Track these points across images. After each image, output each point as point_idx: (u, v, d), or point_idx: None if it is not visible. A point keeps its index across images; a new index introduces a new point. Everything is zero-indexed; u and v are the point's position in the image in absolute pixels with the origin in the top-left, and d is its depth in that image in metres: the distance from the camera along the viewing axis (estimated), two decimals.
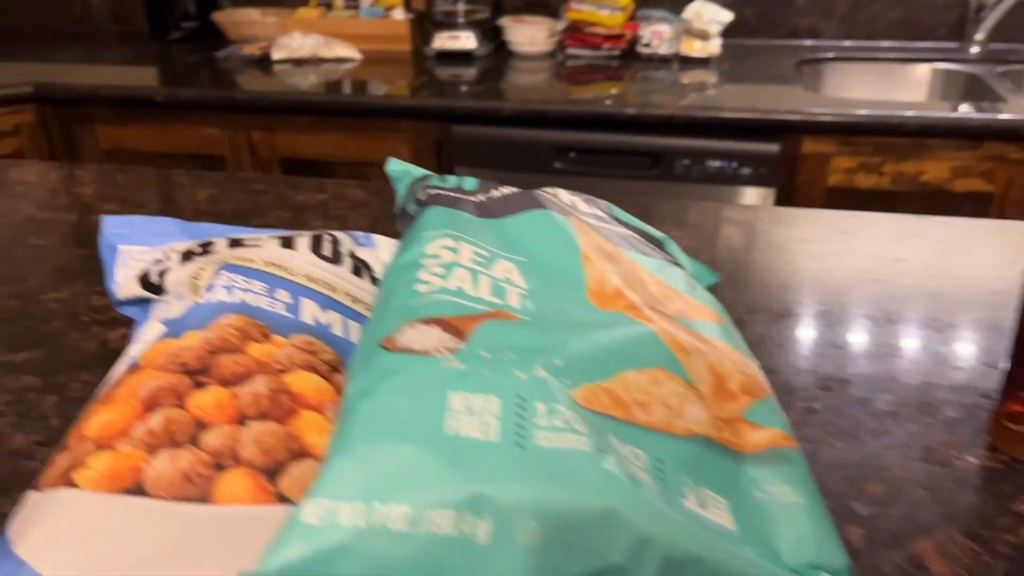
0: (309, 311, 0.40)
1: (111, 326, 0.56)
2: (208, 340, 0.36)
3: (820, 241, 0.69)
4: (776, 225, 0.72)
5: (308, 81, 1.65)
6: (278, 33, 1.94)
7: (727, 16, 1.74)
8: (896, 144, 1.39)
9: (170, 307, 0.43)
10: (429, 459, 0.26)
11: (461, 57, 1.81)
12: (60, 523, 0.29)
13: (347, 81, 1.66)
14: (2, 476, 0.42)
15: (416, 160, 1.59)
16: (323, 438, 0.33)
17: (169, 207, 0.75)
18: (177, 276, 0.43)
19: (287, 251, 0.44)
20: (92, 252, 0.67)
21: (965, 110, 1.35)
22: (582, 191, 1.51)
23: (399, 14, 1.88)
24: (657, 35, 1.75)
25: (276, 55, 1.78)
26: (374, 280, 0.46)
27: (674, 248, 0.53)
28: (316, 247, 0.46)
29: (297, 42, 1.78)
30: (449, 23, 1.82)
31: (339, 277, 0.44)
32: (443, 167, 1.60)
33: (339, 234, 0.49)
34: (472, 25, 1.81)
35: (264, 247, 0.45)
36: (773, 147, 1.43)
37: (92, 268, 0.64)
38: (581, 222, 0.43)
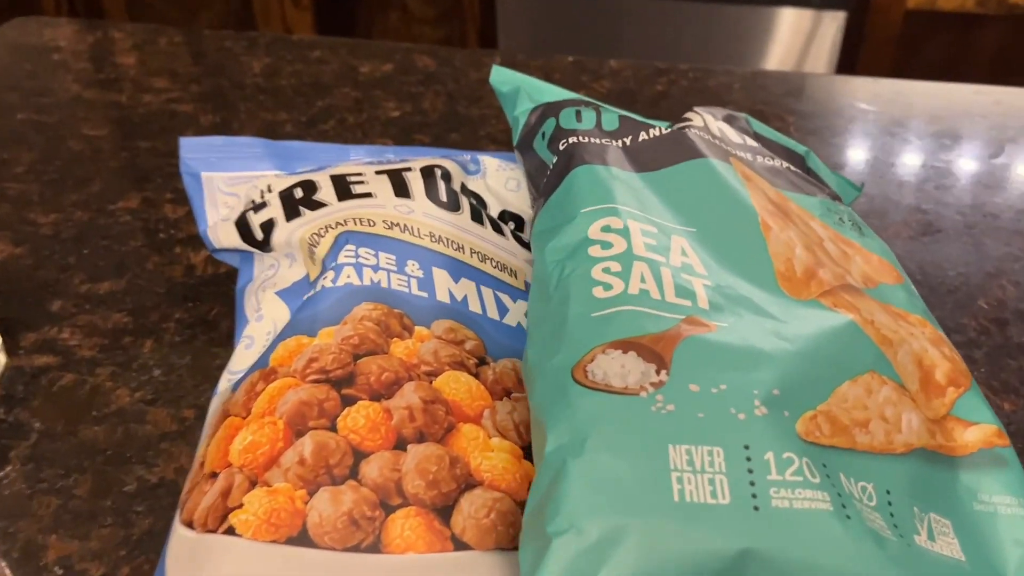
0: (443, 284, 0.36)
1: (194, 247, 0.52)
2: (347, 340, 0.32)
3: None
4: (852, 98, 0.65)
5: None
6: None
7: None
8: None
9: (282, 271, 0.39)
10: (664, 534, 0.23)
11: None
12: None
13: None
14: (117, 442, 0.40)
15: None
16: (487, 459, 0.30)
17: (223, 82, 0.69)
18: (287, 237, 0.39)
19: (404, 201, 0.39)
20: (152, 144, 0.62)
21: None
22: (648, 16, 1.41)
23: None
24: None
25: None
26: (495, 226, 0.42)
27: (816, 163, 0.48)
28: (431, 190, 0.41)
29: None
30: None
31: (461, 229, 0.40)
32: None
33: (448, 164, 0.43)
34: None
35: (377, 195, 0.40)
36: None
37: (156, 167, 0.60)
38: (745, 168, 0.38)
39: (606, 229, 0.32)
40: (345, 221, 0.38)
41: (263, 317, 0.36)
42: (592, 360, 0.28)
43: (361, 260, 0.35)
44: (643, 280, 0.31)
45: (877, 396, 0.30)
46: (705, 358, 0.28)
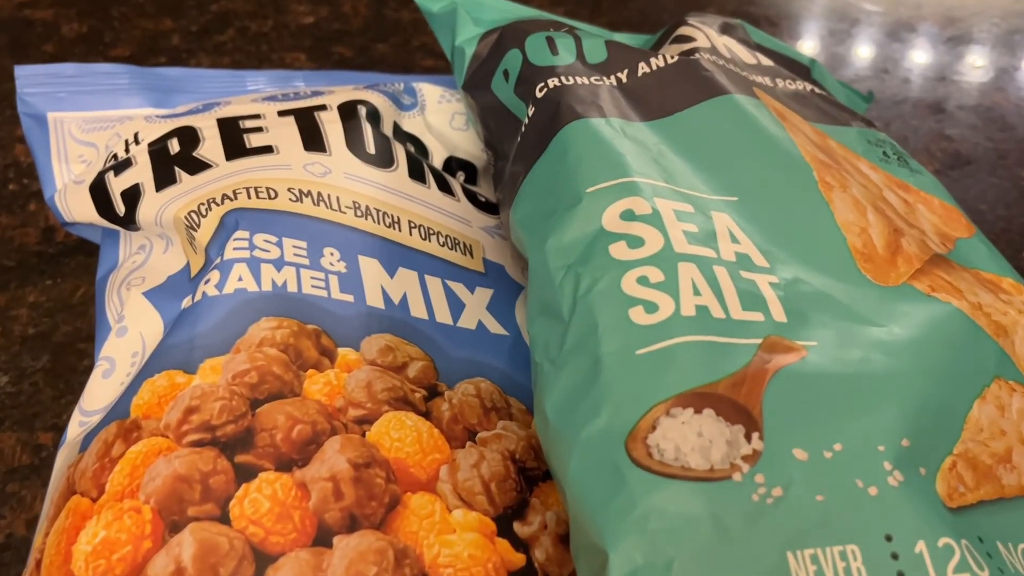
0: (374, 280, 0.26)
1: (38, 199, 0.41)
2: (241, 377, 0.23)
3: None
4: None
5: None
6: None
7: None
8: None
9: (153, 258, 0.28)
10: None
11: None
12: None
13: None
14: None
15: None
16: (448, 545, 0.21)
17: None
18: (157, 213, 0.28)
19: (318, 158, 0.29)
20: (2, 63, 0.49)
21: None
22: None
23: None
24: None
25: None
26: (441, 182, 0.32)
27: (823, 74, 0.39)
28: (353, 138, 0.31)
29: None
30: None
31: (396, 193, 0.30)
32: None
33: (375, 97, 0.33)
34: None
35: (280, 150, 0.29)
36: None
37: (4, 95, 0.47)
38: (774, 103, 0.29)
39: (628, 216, 0.23)
40: (235, 193, 0.27)
41: (127, 330, 0.26)
42: (654, 428, 0.19)
43: (258, 254, 0.25)
44: (697, 291, 0.22)
45: (1010, 412, 0.22)
46: (805, 404, 0.20)
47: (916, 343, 0.22)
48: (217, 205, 0.27)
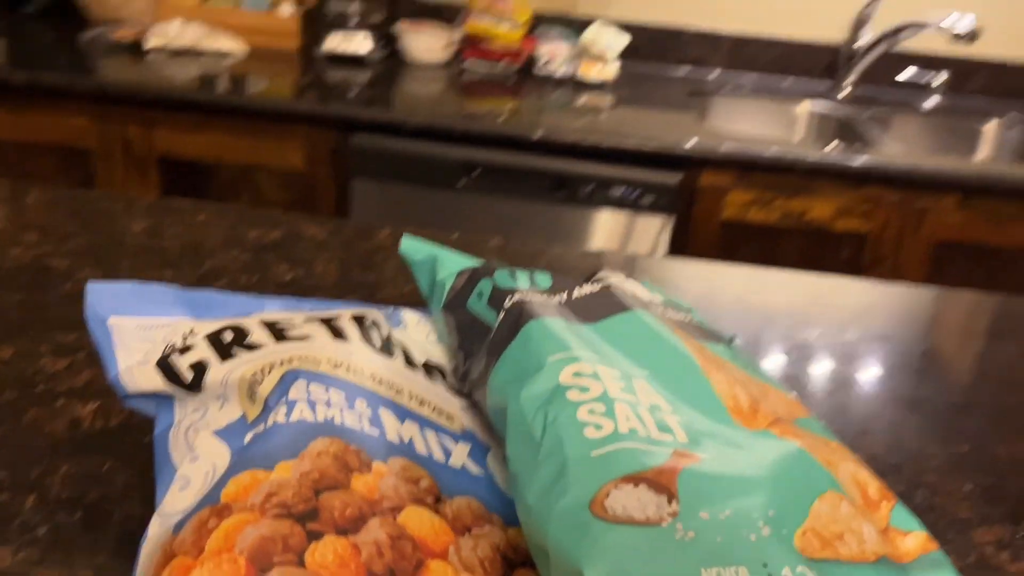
0: (391, 424, 0.36)
1: (81, 398, 0.49)
2: (307, 475, 0.31)
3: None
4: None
5: (187, 73, 1.53)
6: (146, 18, 1.80)
7: (624, 40, 1.76)
8: (787, 182, 1.45)
9: (212, 413, 0.37)
10: None
11: (353, 60, 1.73)
12: None
13: (232, 77, 1.55)
14: None
15: (311, 168, 1.52)
16: None
17: (101, 239, 0.67)
18: (223, 377, 0.37)
19: (343, 344, 0.40)
20: (23, 297, 0.58)
21: (851, 153, 1.43)
22: (486, 211, 1.50)
23: (287, 9, 1.79)
24: (554, 53, 1.75)
25: (151, 43, 1.64)
26: (426, 372, 0.42)
27: (699, 317, 0.52)
28: (365, 335, 0.41)
29: (176, 30, 1.64)
30: (342, 24, 1.74)
31: (398, 374, 0.40)
32: (339, 177, 1.53)
33: (374, 313, 0.44)
34: (366, 27, 1.74)
35: (315, 338, 0.40)
36: (674, 177, 1.46)
37: (29, 321, 0.56)
38: (669, 321, 0.41)
39: (578, 375, 0.34)
40: (290, 359, 0.37)
41: (199, 457, 0.34)
42: (607, 496, 0.29)
43: (313, 397, 0.35)
44: (628, 419, 0.32)
45: (840, 511, 0.32)
46: (704, 487, 0.30)
47: (773, 461, 0.33)
48: (276, 367, 0.36)
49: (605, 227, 1.52)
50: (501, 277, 0.42)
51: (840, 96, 1.81)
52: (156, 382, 0.39)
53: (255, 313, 0.45)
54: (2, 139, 1.54)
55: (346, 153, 1.51)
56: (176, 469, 0.35)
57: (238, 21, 1.75)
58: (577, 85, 1.72)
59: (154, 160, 1.53)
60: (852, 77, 1.80)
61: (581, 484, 0.30)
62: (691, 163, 1.46)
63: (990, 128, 1.79)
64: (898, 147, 1.55)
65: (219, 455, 0.34)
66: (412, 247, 0.47)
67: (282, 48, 1.76)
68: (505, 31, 1.73)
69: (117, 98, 1.48)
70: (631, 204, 1.48)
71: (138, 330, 0.44)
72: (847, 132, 1.73)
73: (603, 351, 0.37)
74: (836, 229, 1.48)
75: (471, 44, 1.75)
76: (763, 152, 1.42)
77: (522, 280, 0.42)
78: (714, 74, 1.90)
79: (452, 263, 0.46)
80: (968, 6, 1.81)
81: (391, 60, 1.78)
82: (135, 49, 1.65)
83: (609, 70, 1.73)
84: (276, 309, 0.46)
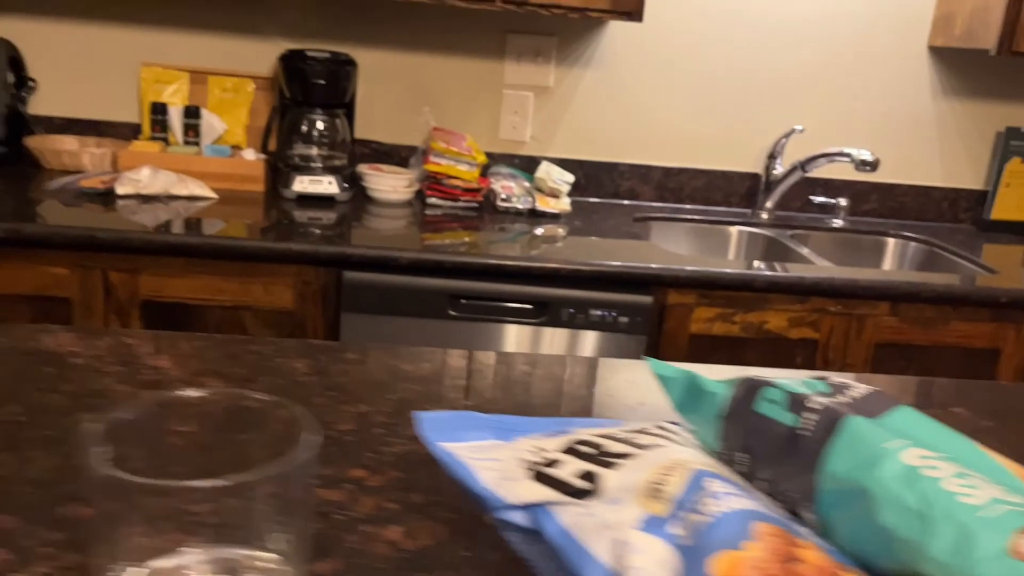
0: (774, 508, 0.43)
1: (380, 524, 0.52)
2: (776, 550, 0.38)
3: None
4: None
5: (158, 218, 1.56)
6: (105, 165, 1.81)
7: (571, 177, 1.92)
8: (745, 297, 1.62)
9: (610, 514, 0.43)
10: None
11: (318, 200, 1.80)
12: None
13: (209, 220, 1.58)
14: None
15: (301, 306, 1.55)
16: None
17: (278, 380, 0.70)
18: (619, 482, 0.44)
19: (689, 449, 0.47)
20: (251, 436, 0.61)
21: (796, 271, 1.62)
22: (474, 337, 1.57)
23: (250, 154, 1.84)
24: (507, 189, 1.88)
25: (121, 190, 1.65)
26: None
27: None
28: (688, 442, 0.49)
29: (147, 177, 1.67)
30: (307, 167, 1.81)
31: (729, 471, 0.48)
32: (327, 313, 1.56)
33: (662, 423, 0.52)
34: (331, 170, 1.82)
35: (664, 446, 0.47)
36: (646, 298, 1.59)
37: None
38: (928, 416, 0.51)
39: (923, 456, 0.43)
40: (683, 462, 0.44)
41: (641, 550, 0.40)
42: (1018, 543, 0.38)
43: (724, 489, 0.42)
44: (974, 487, 0.41)
45: None
46: None
47: None
48: (675, 469, 0.43)
49: (587, 347, 1.62)
50: (787, 384, 0.51)
51: (763, 218, 2.02)
52: (544, 493, 0.45)
53: (561, 432, 0.51)
54: None
55: (338, 289, 1.56)
56: (600, 559, 0.41)
57: (202, 168, 1.78)
58: (533, 215, 1.85)
59: (136, 305, 1.53)
60: (770, 202, 2.03)
61: (989, 537, 0.38)
62: (660, 284, 1.60)
63: (889, 243, 2.04)
64: (825, 262, 1.75)
65: (655, 546, 0.40)
66: (661, 368, 0.55)
67: (249, 191, 1.81)
68: (464, 171, 1.85)
69: (99, 245, 1.48)
70: (609, 325, 1.60)
71: (470, 452, 0.49)
72: (777, 250, 1.93)
73: (913, 437, 0.46)
74: (791, 336, 1.64)
75: (433, 183, 1.86)
76: (723, 271, 1.58)
77: (805, 387, 0.51)
78: (647, 203, 2.09)
79: (714, 378, 0.54)
80: (856, 143, 2.09)
81: (356, 200, 1.86)
82: (106, 197, 1.65)
83: (564, 203, 1.87)
84: (579, 427, 0.52)
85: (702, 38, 2.01)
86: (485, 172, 1.92)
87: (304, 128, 1.81)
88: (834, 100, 2.07)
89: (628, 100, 2.05)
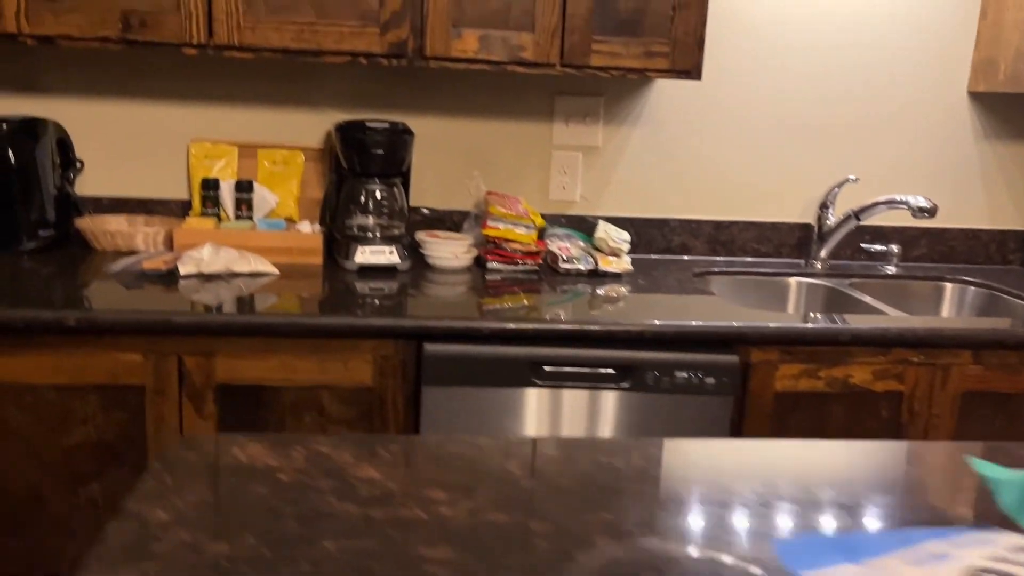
0: None
1: None
2: None
3: None
4: None
5: (221, 297, 1.51)
6: (159, 244, 1.76)
7: (628, 236, 1.90)
8: (827, 352, 1.59)
9: None
10: None
11: (380, 271, 1.76)
12: None
13: (277, 297, 1.54)
14: None
15: (380, 381, 1.50)
16: None
17: (503, 487, 0.66)
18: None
19: None
20: (523, 560, 0.56)
21: (876, 322, 1.60)
22: (559, 405, 1.53)
23: (306, 227, 1.80)
24: (565, 251, 1.85)
25: (184, 269, 1.60)
26: None
27: None
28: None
29: (208, 255, 1.62)
30: (365, 238, 1.77)
31: None
32: (406, 387, 1.51)
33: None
34: (390, 240, 1.78)
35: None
36: (732, 358, 1.56)
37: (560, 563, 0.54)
38: None
39: None
40: None
41: None
42: None
43: None
44: None
45: None
46: None
47: None
48: None
49: (675, 410, 1.58)
50: None
51: (818, 268, 2.01)
52: None
53: (907, 546, 0.47)
54: (41, 384, 1.43)
55: (418, 362, 1.51)
56: None
57: (259, 242, 1.74)
58: (594, 275, 1.82)
59: (212, 388, 1.46)
60: (824, 251, 2.02)
61: None
62: (744, 342, 1.57)
63: (947, 288, 2.04)
64: (894, 311, 1.74)
65: None
66: (986, 467, 0.52)
67: (308, 263, 1.76)
68: (523, 234, 1.82)
69: (175, 330, 1.42)
70: (695, 388, 1.56)
71: None
72: (838, 300, 1.92)
73: None
74: (876, 389, 1.62)
75: (492, 247, 1.83)
76: (808, 327, 1.56)
77: None
78: (700, 257, 2.07)
79: None
80: (902, 189, 2.10)
81: (415, 268, 1.82)
82: (167, 277, 1.60)
83: (625, 261, 1.85)
84: (927, 541, 0.49)
85: (747, 92, 2.02)
86: (541, 234, 1.90)
87: (362, 198, 1.77)
88: (879, 149, 2.08)
89: (676, 156, 2.04)
